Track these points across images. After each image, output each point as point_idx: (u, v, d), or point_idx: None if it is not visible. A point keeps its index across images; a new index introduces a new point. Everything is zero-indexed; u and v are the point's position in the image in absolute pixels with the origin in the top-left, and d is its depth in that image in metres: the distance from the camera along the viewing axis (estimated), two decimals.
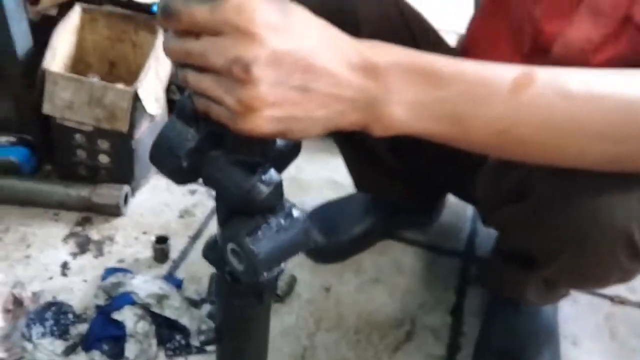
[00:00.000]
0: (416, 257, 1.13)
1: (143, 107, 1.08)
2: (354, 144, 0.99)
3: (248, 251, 0.46)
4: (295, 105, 0.41)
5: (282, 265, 0.51)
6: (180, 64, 0.42)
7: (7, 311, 0.92)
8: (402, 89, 0.44)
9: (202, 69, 0.41)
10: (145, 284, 0.94)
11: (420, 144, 0.87)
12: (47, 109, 1.07)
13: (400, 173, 1.02)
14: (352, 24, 0.79)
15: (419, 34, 0.87)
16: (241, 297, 0.56)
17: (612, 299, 1.07)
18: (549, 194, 0.66)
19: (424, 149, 0.92)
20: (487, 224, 0.90)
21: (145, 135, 1.14)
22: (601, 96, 0.47)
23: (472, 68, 0.46)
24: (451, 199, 1.18)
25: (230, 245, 0.47)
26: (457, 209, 1.21)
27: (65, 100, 1.05)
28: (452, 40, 0.94)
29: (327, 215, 1.13)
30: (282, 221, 0.46)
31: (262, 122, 0.41)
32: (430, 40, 0.89)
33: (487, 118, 0.46)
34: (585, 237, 0.64)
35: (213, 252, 0.54)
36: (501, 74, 0.46)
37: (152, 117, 1.13)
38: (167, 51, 0.42)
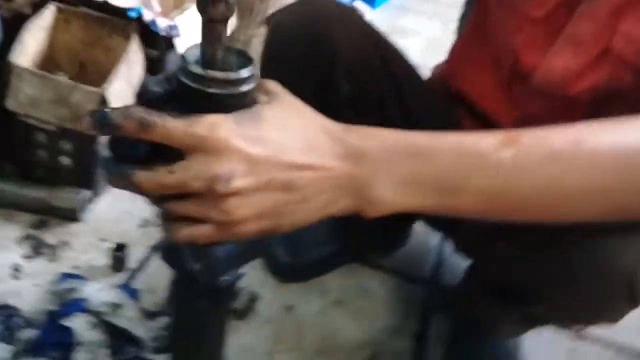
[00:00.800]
0: (381, 282, 1.11)
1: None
2: None
3: (206, 251, 0.46)
4: (283, 206, 0.43)
5: (239, 270, 0.51)
6: (156, 198, 0.43)
7: None
8: (389, 170, 0.44)
9: (180, 196, 0.42)
10: (99, 292, 0.90)
11: None
12: (10, 104, 1.03)
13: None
14: (329, 56, 0.79)
15: (395, 67, 0.86)
16: (198, 300, 0.54)
17: (577, 332, 1.07)
18: (548, 234, 0.62)
19: None
20: (463, 253, 0.89)
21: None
22: (589, 151, 0.45)
23: (456, 139, 0.45)
24: (417, 228, 1.17)
25: (187, 248, 0.47)
26: (423, 237, 1.20)
27: (29, 96, 1.01)
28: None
29: (293, 234, 1.10)
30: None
31: (252, 227, 0.43)
32: (407, 76, 0.89)
33: (478, 186, 0.45)
34: (586, 279, 0.64)
35: (171, 251, 0.52)
36: (486, 140, 0.45)
37: None
38: (142, 186, 0.42)
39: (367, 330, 1.01)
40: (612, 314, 0.69)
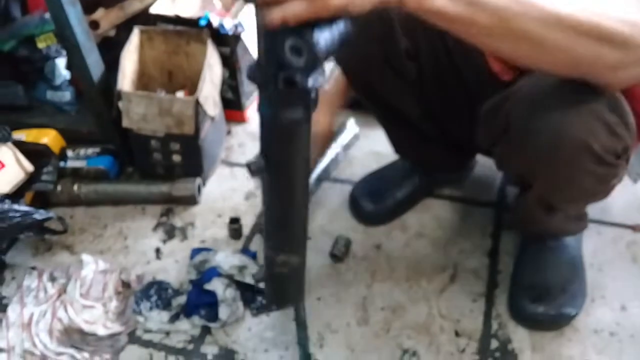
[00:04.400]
0: (454, 211, 1.28)
1: (204, 111, 1.26)
2: (392, 116, 1.14)
3: (310, 41, 0.51)
4: None
5: (325, 72, 0.58)
6: None
7: (118, 293, 1.14)
8: None
9: None
10: (226, 259, 1.14)
11: (445, 111, 1.03)
12: (125, 123, 1.27)
13: (433, 138, 1.17)
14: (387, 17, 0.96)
15: None
16: (292, 107, 0.59)
17: (632, 228, 1.20)
18: (523, 121, 0.81)
19: (449, 115, 1.08)
20: (499, 168, 1.05)
21: (208, 134, 1.32)
22: None
23: None
24: (481, 157, 1.31)
25: (289, 42, 0.52)
26: (487, 164, 1.35)
27: (139, 114, 1.25)
28: None
29: (372, 183, 1.29)
30: (330, 23, 0.54)
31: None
32: None
33: (495, 5, 0.62)
34: (554, 150, 0.80)
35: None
36: None
37: (212, 118, 1.32)
38: None
39: (446, 255, 1.19)
40: (594, 179, 0.83)
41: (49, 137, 1.37)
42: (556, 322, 1.06)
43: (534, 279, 1.08)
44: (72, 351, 1.04)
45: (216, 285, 1.09)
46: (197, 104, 1.23)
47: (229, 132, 1.51)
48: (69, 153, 1.37)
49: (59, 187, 1.32)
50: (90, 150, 1.38)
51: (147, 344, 1.07)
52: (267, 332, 1.07)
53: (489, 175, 1.35)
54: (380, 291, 1.13)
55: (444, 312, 1.09)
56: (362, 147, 1.45)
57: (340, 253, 1.19)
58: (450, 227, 1.25)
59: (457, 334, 1.06)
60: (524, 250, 1.13)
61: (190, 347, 1.06)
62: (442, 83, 1.05)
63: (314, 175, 1.31)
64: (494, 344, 1.04)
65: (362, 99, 1.14)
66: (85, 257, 1.17)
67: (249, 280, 1.11)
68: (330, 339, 1.06)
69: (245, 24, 1.38)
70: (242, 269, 1.12)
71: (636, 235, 1.19)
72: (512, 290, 1.10)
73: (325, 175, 1.36)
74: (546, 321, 1.05)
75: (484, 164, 1.33)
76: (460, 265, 1.17)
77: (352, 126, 1.45)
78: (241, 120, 1.54)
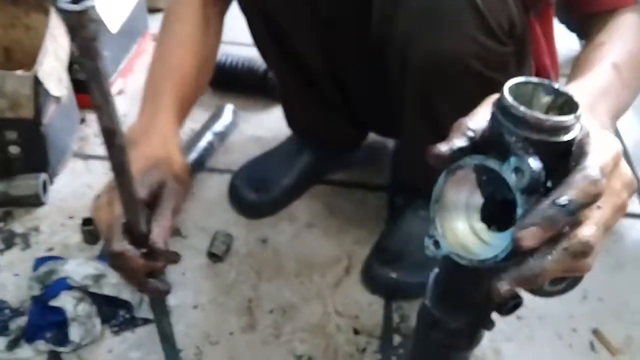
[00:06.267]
0: (346, 198, 1.16)
1: (46, 91, 1.04)
2: (290, 66, 1.00)
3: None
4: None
5: None
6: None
7: None
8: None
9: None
10: (79, 267, 0.93)
11: (358, 69, 0.89)
12: None
13: (332, 103, 1.04)
14: None
15: None
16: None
17: None
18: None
19: (361, 76, 0.95)
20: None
21: (54, 120, 1.10)
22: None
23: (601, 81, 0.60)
24: (371, 138, 1.20)
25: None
26: (377, 146, 1.24)
27: None
28: None
29: (255, 170, 1.14)
30: None
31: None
32: None
33: (624, 106, 0.61)
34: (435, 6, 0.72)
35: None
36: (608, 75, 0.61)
37: (57, 99, 1.10)
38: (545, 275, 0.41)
39: (340, 245, 1.06)
40: (477, 47, 0.74)
41: None
42: (402, 289, 0.97)
43: (390, 243, 1.00)
44: None
45: (65, 301, 0.88)
46: (37, 81, 1.01)
47: (83, 121, 1.29)
48: None
49: None
50: None
51: None
52: (132, 353, 0.88)
53: (381, 156, 1.24)
54: (268, 291, 0.98)
55: (340, 308, 0.96)
56: (242, 132, 1.30)
57: (219, 251, 1.02)
58: (342, 214, 1.12)
59: (356, 332, 0.93)
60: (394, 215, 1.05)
61: None
62: (357, 36, 0.90)
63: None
64: (397, 339, 0.92)
65: (258, 39, 0.98)
66: None
67: (107, 291, 0.91)
68: (210, 352, 0.89)
69: None
70: (98, 278, 0.92)
71: None
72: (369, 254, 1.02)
73: (198, 166, 1.18)
74: (391, 286, 0.97)
75: (375, 146, 1.22)
76: (355, 255, 1.04)
77: (229, 110, 1.29)
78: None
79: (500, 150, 0.42)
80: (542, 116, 0.40)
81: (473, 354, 0.90)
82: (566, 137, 0.41)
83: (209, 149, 1.22)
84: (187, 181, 0.67)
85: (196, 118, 1.26)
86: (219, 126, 1.26)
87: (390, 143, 1.24)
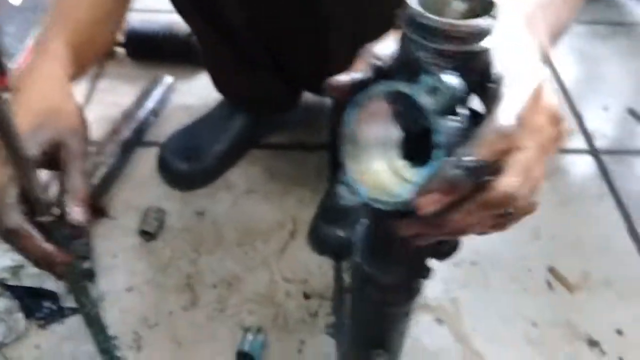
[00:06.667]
0: (285, 160, 1.10)
1: None
2: (218, 28, 0.92)
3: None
4: None
5: None
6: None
7: None
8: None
9: None
10: None
11: (284, 22, 0.81)
12: None
13: (260, 63, 0.97)
14: None
15: None
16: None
17: None
18: None
19: (288, 30, 0.88)
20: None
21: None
22: None
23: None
24: (306, 97, 1.14)
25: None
26: (314, 105, 1.18)
27: None
28: None
29: (185, 139, 1.06)
30: None
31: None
32: None
33: (566, 24, 0.52)
34: None
35: None
36: None
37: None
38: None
39: (283, 209, 1.00)
40: None
41: None
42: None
43: (335, 201, 0.95)
44: None
45: None
46: None
47: None
48: None
49: None
50: None
51: None
52: (63, 346, 0.80)
53: (317, 115, 1.18)
54: (209, 265, 0.91)
55: (288, 274, 0.91)
56: (170, 101, 1.21)
57: (152, 228, 0.94)
58: (283, 177, 1.06)
59: (306, 296, 0.88)
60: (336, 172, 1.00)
61: None
62: None
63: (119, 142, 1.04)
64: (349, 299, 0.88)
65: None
66: None
67: (29, 283, 0.82)
68: (150, 336, 0.82)
69: None
70: (16, 269, 0.83)
71: None
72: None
73: (133, 143, 1.09)
74: (340, 245, 0.92)
75: (310, 105, 1.16)
76: (300, 217, 0.99)
77: (167, 83, 1.20)
78: (3, 86, 1.21)
79: (412, 70, 0.36)
80: (453, 21, 0.35)
81: (426, 305, 0.87)
82: (484, 44, 0.36)
83: (145, 124, 1.13)
84: (85, 134, 0.58)
85: (125, 91, 1.18)
86: (153, 100, 1.17)
87: (327, 100, 1.19)
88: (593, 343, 0.84)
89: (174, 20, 1.20)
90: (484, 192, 0.36)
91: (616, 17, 1.57)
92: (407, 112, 0.38)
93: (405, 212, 0.37)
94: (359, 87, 0.38)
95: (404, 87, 0.36)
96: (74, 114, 0.58)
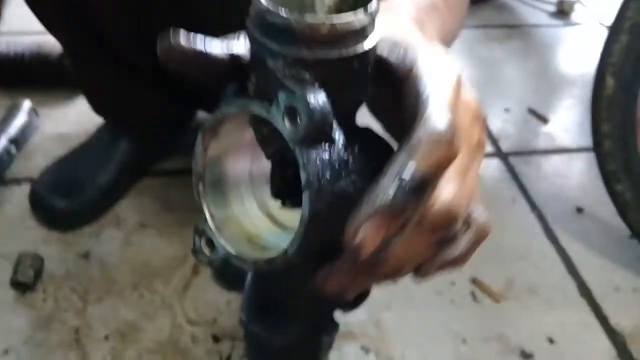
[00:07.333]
0: (181, 187, 0.99)
1: None
2: (96, 41, 0.81)
3: None
4: None
5: None
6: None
7: None
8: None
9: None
10: None
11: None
12: None
13: (147, 76, 0.87)
14: None
15: None
16: None
17: None
18: None
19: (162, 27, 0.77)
20: None
21: None
22: None
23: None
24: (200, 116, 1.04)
25: None
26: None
27: None
28: None
29: (61, 172, 0.93)
30: None
31: None
32: None
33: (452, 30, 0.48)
34: None
35: None
36: None
37: None
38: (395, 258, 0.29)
39: (181, 242, 0.89)
40: None
41: None
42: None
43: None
44: None
45: None
46: None
47: None
48: None
49: None
50: None
51: None
52: None
53: None
54: (99, 315, 0.79)
55: (192, 316, 0.80)
56: (42, 132, 1.07)
57: (27, 278, 0.80)
58: (179, 207, 0.96)
59: (215, 339, 0.77)
60: None
61: None
62: None
63: None
64: None
65: (41, 11, 0.77)
66: None
67: None
68: None
69: None
70: None
71: None
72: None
73: None
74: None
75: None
76: None
77: (24, 109, 1.06)
78: None
79: (269, 85, 0.28)
80: (313, 19, 0.26)
81: (349, 332, 0.79)
82: (360, 48, 0.28)
83: (4, 159, 0.98)
84: None
85: None
86: (13, 129, 1.02)
87: None
88: (527, 355, 0.80)
89: (43, 41, 1.08)
90: (425, 211, 0.28)
91: (509, 20, 1.60)
92: (271, 139, 0.30)
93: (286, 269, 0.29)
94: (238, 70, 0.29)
95: (258, 107, 0.27)
96: None
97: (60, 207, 0.89)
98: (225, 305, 0.81)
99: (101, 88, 0.91)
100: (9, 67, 1.13)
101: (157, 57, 0.85)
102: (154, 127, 0.96)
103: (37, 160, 1.00)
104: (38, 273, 0.82)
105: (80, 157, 0.94)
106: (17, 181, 0.97)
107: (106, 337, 0.76)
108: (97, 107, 0.94)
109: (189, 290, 0.83)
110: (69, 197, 0.89)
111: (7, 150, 0.99)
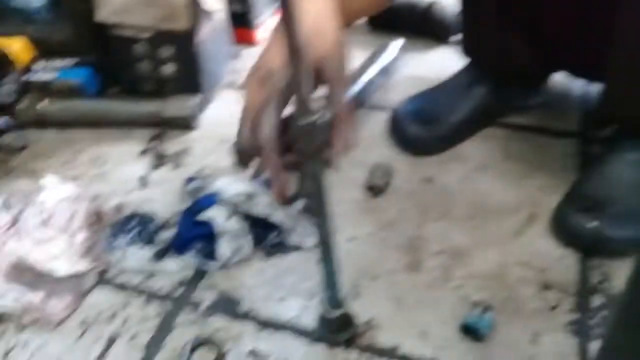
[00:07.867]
0: (525, 142, 1.00)
1: (200, 4, 0.98)
2: None
3: None
4: None
5: None
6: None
7: (89, 224, 0.86)
8: None
9: None
10: (230, 185, 0.85)
11: None
12: (101, 15, 0.99)
13: (528, 29, 0.90)
14: None
15: None
16: None
17: None
18: None
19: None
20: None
21: (208, 41, 1.04)
22: None
23: None
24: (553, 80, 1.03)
25: None
26: (558, 90, 1.06)
27: (118, 2, 0.97)
28: None
29: (422, 103, 1.01)
30: None
31: None
32: None
33: None
34: None
35: None
36: None
37: (209, 14, 1.03)
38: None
39: (520, 192, 0.90)
40: None
41: (15, 46, 1.09)
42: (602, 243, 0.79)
43: (590, 189, 0.83)
44: (19, 289, 0.76)
45: (214, 214, 0.80)
46: None
47: (236, 55, 1.23)
48: (39, 65, 1.09)
49: (22, 104, 1.04)
50: (65, 62, 1.10)
51: (122, 286, 0.79)
52: (284, 278, 0.78)
53: (566, 101, 1.06)
54: (434, 232, 0.85)
55: (523, 259, 0.80)
56: (401, 72, 1.17)
57: (379, 183, 0.90)
58: (521, 159, 0.96)
59: (545, 286, 0.77)
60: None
61: (179, 292, 0.78)
62: None
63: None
64: (597, 300, 0.75)
65: None
66: (46, 180, 0.89)
67: (259, 211, 0.82)
68: (369, 288, 0.77)
69: None
70: (250, 197, 0.83)
71: None
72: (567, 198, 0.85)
73: (360, 101, 1.07)
74: (592, 238, 0.79)
75: (555, 90, 1.05)
76: (540, 203, 0.88)
77: (394, 47, 1.17)
78: (250, 41, 1.27)
79: None
80: None
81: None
82: None
83: (371, 84, 1.10)
84: (341, 59, 0.64)
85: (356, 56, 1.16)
86: (383, 61, 1.14)
87: (575, 87, 1.07)
88: None
89: None
90: None
91: None
92: None
93: None
94: None
95: None
96: (330, 38, 0.62)
97: (415, 133, 0.97)
98: (557, 259, 0.80)
99: (483, 28, 0.95)
100: (384, 13, 1.25)
101: (540, 16, 0.88)
102: (513, 79, 0.98)
103: (395, 95, 1.10)
104: (387, 183, 0.91)
105: (441, 94, 1.01)
106: (380, 107, 1.08)
107: (438, 253, 0.82)
108: (470, 46, 0.99)
109: (521, 236, 0.84)
110: (424, 126, 0.97)
111: (375, 80, 1.11)
